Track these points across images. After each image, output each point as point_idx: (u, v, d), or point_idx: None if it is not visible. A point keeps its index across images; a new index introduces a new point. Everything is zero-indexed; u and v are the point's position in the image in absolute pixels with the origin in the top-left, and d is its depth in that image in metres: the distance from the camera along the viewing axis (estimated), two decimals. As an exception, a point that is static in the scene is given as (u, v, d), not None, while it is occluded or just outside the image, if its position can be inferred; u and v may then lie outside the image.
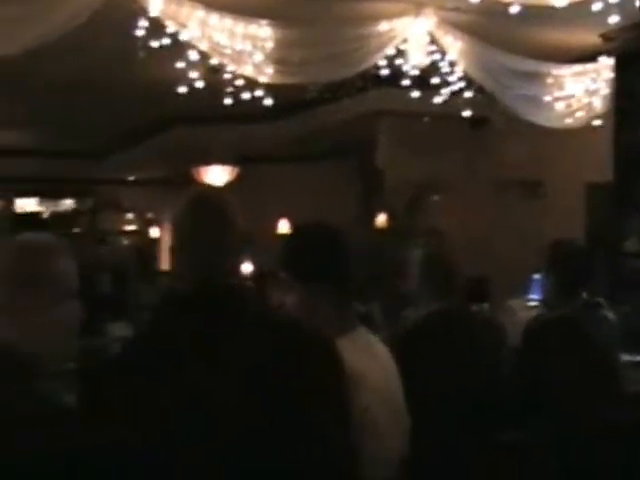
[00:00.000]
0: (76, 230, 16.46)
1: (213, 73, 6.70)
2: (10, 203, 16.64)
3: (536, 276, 6.04)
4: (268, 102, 7.11)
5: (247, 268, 8.92)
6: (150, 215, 16.45)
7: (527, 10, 6.23)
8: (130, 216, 17.23)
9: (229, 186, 11.89)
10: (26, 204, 17.11)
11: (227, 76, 6.79)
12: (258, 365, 2.05)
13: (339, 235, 2.71)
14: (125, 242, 17.02)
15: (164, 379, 2.06)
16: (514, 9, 6.20)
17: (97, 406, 2.15)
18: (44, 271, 2.21)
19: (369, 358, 2.63)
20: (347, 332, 2.62)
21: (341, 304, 2.66)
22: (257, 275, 8.10)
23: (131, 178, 15.97)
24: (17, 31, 5.57)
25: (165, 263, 15.27)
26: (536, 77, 7.59)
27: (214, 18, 6.20)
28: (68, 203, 17.58)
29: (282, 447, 2.01)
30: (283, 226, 13.16)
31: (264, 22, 6.36)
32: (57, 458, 2.00)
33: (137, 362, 2.15)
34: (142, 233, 16.78)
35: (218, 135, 11.46)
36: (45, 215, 16.85)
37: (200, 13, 6.13)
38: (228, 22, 6.27)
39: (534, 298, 6.31)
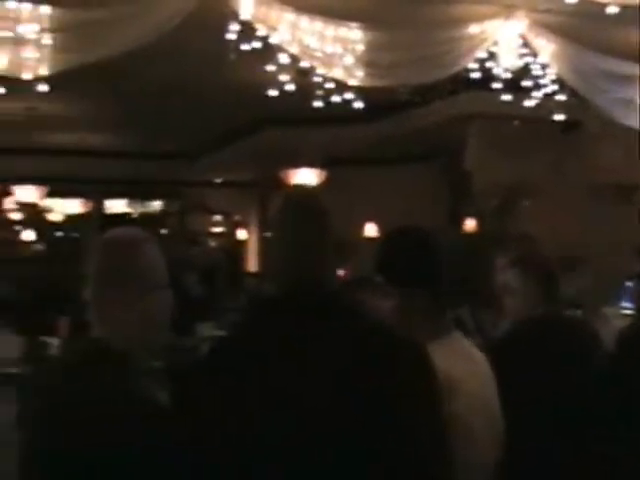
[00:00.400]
0: (164, 231, 16.69)
1: (303, 76, 6.71)
2: (100, 204, 16.95)
3: (629, 283, 5.91)
4: (358, 105, 7.10)
5: (340, 272, 8.90)
6: (237, 217, 16.57)
7: (623, 11, 6.09)
8: (218, 218, 17.39)
9: (317, 189, 11.88)
10: (115, 205, 17.42)
11: (317, 79, 6.79)
12: (348, 369, 2.02)
13: (434, 239, 2.67)
14: (213, 244, 17.19)
15: (253, 381, 2.05)
16: (611, 9, 6.06)
17: (186, 406, 2.15)
18: (133, 264, 2.23)
19: (464, 363, 2.59)
20: (442, 337, 2.59)
21: (436, 308, 2.63)
22: (351, 279, 8.07)
23: (219, 180, 16.09)
24: (113, 34, 5.67)
25: (252, 265, 15.39)
26: (632, 80, 7.41)
27: (304, 21, 6.21)
28: (157, 205, 17.85)
29: (371, 451, 1.98)
30: (370, 229, 13.13)
31: (354, 25, 6.35)
32: (150, 454, 2.02)
33: (226, 363, 2.14)
34: (229, 235, 16.92)
35: (308, 138, 11.48)
36: (134, 216, 17.12)
37: (290, 16, 6.15)
38: (318, 25, 6.28)
39: (627, 306, 6.17)
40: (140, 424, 2.08)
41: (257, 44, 6.19)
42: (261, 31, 6.08)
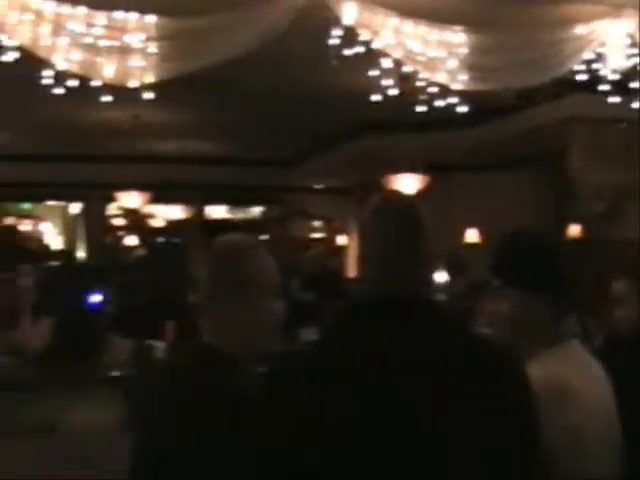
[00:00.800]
0: (265, 237, 16.79)
1: (405, 81, 6.67)
2: (201, 211, 17.17)
3: None
4: (462, 109, 7.02)
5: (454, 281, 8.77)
6: (337, 223, 16.58)
7: None
8: (317, 224, 17.43)
9: (417, 195, 11.80)
10: (216, 211, 17.64)
11: (420, 83, 6.74)
12: (443, 379, 2.00)
13: (553, 241, 2.62)
14: (313, 250, 17.22)
15: (344, 389, 2.02)
16: None
17: (281, 410, 2.13)
18: (246, 270, 2.24)
19: (584, 371, 2.51)
20: (560, 343, 2.52)
21: (555, 313, 2.56)
22: (466, 285, 7.97)
23: (319, 186, 16.14)
24: (217, 42, 5.72)
25: (352, 271, 15.37)
26: None
27: (408, 25, 6.17)
28: (257, 211, 18.00)
29: (467, 464, 1.96)
30: (471, 235, 12.98)
31: (458, 28, 6.27)
32: (257, 457, 2.02)
33: (317, 369, 2.12)
34: (329, 241, 16.94)
35: (409, 143, 11.43)
36: (235, 222, 17.29)
37: (394, 20, 6.11)
38: (422, 29, 6.23)
39: None
40: (249, 428, 2.08)
41: (359, 49, 6.18)
42: (364, 36, 6.06)
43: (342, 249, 16.10)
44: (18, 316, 6.88)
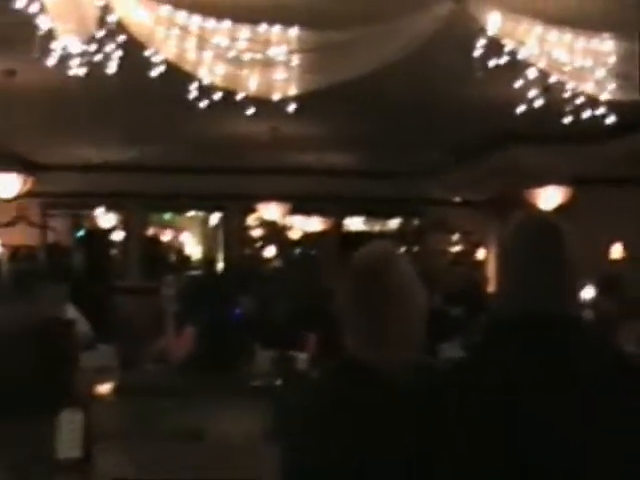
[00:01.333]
0: (403, 249, 16.71)
1: (551, 91, 6.49)
2: (339, 222, 17.23)
3: None
4: (610, 120, 6.79)
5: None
6: (477, 236, 16.34)
7: None
8: (456, 237, 17.23)
9: (561, 208, 11.53)
10: (353, 223, 17.66)
11: (566, 94, 6.55)
12: (589, 397, 1.95)
13: None
14: (455, 263, 17.00)
15: (486, 407, 1.97)
16: None
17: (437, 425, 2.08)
18: (391, 283, 2.20)
19: None
20: None
21: None
22: (616, 302, 7.73)
23: (459, 199, 15.95)
24: (359, 54, 5.72)
25: (491, 286, 15.12)
26: None
27: (553, 34, 6.01)
28: (394, 223, 17.92)
29: None
30: (616, 251, 12.58)
31: (607, 35, 6.07)
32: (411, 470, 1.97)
33: (459, 386, 2.07)
34: (468, 254, 16.70)
35: (554, 154, 11.16)
36: (372, 234, 17.27)
37: (539, 29, 5.96)
38: (568, 37, 6.05)
39: None
40: (397, 442, 2.05)
41: (504, 59, 6.05)
42: (508, 46, 5.94)
43: (481, 263, 15.87)
44: (162, 325, 7.05)
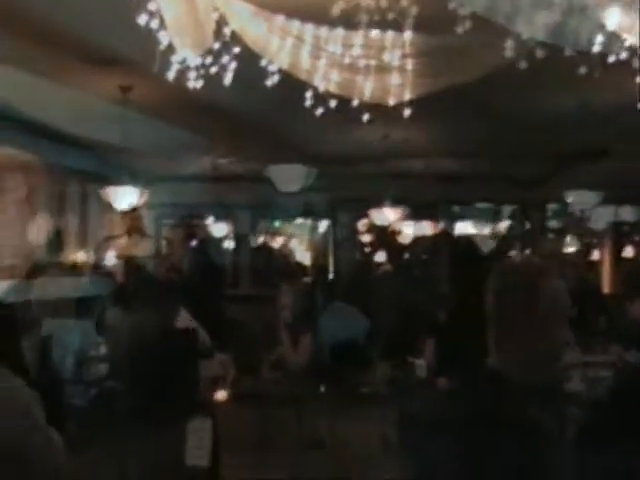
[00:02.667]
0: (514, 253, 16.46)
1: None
2: (448, 227, 17.11)
3: None
4: None
5: None
6: (590, 238, 16.00)
7: None
8: (569, 239, 16.88)
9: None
10: (462, 227, 17.54)
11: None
12: None
13: None
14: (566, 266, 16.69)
15: None
16: None
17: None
18: (540, 292, 2.15)
19: None
20: None
21: None
22: None
23: (570, 201, 15.65)
24: (474, 59, 5.64)
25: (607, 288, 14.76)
26: None
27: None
28: (503, 226, 17.71)
29: None
30: None
31: None
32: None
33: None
34: (583, 256, 16.33)
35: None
36: (483, 238, 17.09)
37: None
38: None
39: None
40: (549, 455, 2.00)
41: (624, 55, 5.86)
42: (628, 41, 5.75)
43: (595, 264, 15.53)
44: (279, 333, 7.09)
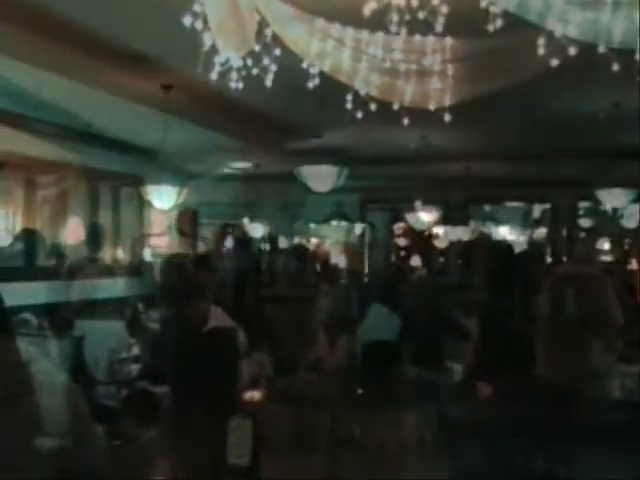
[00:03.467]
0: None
1: None
2: (485, 230, 17.04)
3: None
4: None
5: None
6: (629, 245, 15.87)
7: None
8: (607, 246, 16.75)
9: None
10: (499, 232, 17.46)
11: None
12: None
13: None
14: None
15: None
16: None
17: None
18: (597, 301, 2.16)
19: None
20: None
21: None
22: None
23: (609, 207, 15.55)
24: (515, 63, 5.62)
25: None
26: None
27: None
28: (540, 232, 17.60)
29: None
30: None
31: None
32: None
33: None
34: (621, 263, 16.17)
35: None
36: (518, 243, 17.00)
37: None
38: None
39: None
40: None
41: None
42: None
43: (633, 273, 15.37)
44: (316, 334, 7.12)
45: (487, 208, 17.45)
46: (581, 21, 5.45)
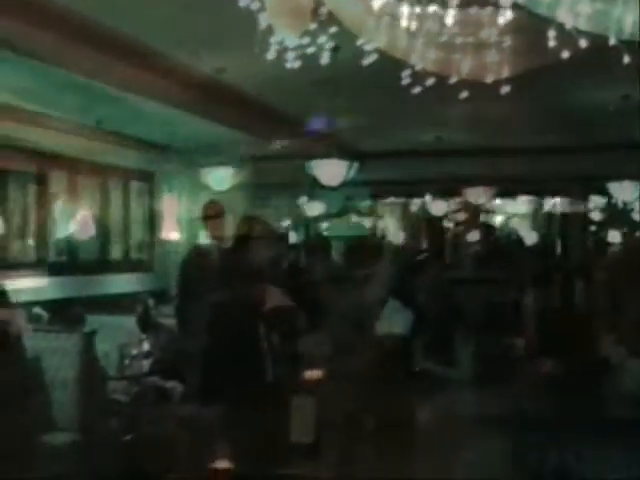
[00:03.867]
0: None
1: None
2: (541, 204, 16.85)
3: None
4: None
5: None
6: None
7: None
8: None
9: None
10: (555, 204, 17.24)
11: None
12: None
13: None
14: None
15: None
16: None
17: None
18: None
19: None
20: None
21: None
22: None
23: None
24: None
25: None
26: None
27: None
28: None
29: None
30: None
31: None
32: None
33: None
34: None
35: None
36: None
37: None
38: None
39: None
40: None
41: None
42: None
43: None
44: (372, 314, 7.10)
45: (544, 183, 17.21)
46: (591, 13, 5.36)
